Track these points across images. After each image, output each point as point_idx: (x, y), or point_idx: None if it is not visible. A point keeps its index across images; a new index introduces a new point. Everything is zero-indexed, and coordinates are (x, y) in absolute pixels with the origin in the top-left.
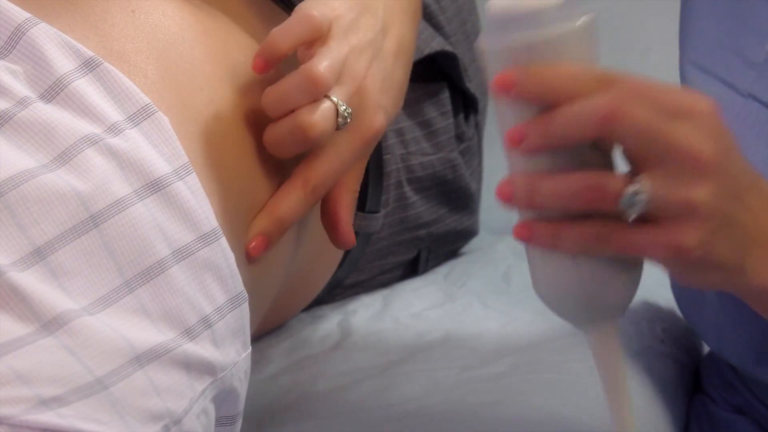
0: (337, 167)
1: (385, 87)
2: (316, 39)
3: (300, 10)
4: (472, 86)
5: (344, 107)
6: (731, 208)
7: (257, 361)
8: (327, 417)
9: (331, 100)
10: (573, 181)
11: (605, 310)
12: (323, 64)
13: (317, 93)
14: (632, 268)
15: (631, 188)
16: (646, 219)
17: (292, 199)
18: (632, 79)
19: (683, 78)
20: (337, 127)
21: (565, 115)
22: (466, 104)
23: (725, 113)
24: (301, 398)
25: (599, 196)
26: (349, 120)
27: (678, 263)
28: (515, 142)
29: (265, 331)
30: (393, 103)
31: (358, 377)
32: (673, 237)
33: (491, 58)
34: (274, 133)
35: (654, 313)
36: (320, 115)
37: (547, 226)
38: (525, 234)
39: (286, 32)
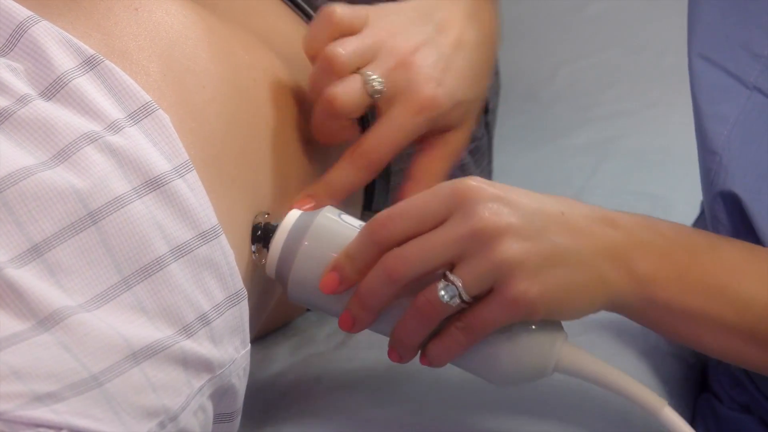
0: (388, 134)
1: (441, 66)
2: (348, 33)
3: (322, 8)
4: None
5: (374, 77)
6: (541, 244)
7: (262, 358)
8: (331, 415)
9: (359, 74)
10: (408, 320)
11: (546, 352)
12: (342, 45)
13: (334, 70)
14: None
15: (441, 285)
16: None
17: (341, 165)
18: (389, 222)
19: (691, 70)
20: (371, 97)
21: (362, 293)
22: None
23: (731, 105)
24: (305, 396)
25: (429, 310)
26: (378, 87)
27: (527, 311)
28: (348, 327)
29: (271, 329)
30: (455, 84)
31: (364, 375)
32: (505, 295)
33: (299, 287)
34: (313, 117)
35: None
36: (343, 87)
37: (436, 350)
38: (428, 364)
39: (311, 36)
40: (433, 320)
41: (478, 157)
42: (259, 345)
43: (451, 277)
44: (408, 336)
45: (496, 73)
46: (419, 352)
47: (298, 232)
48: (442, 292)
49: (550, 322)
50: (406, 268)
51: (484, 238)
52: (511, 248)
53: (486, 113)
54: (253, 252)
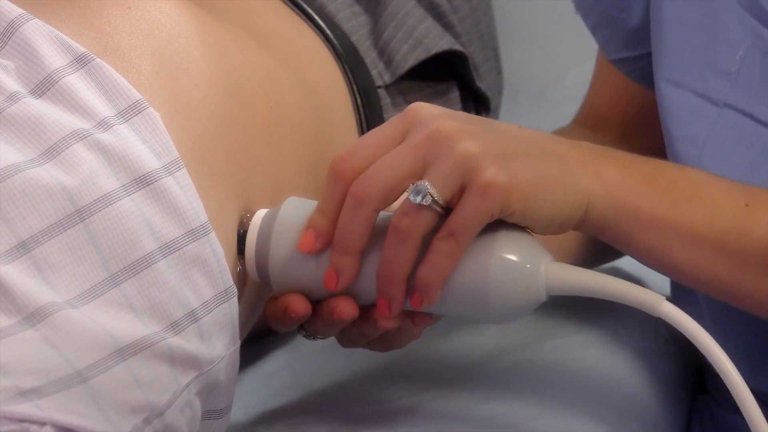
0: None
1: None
2: None
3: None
4: (483, 85)
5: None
6: (501, 142)
7: (258, 356)
8: (326, 412)
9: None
10: (390, 245)
11: (534, 273)
12: None
13: None
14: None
15: (410, 189)
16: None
17: None
18: (348, 156)
19: (658, 95)
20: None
21: (338, 232)
22: (478, 103)
23: (700, 125)
24: (301, 394)
25: (407, 222)
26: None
27: (502, 198)
28: (334, 281)
29: (266, 328)
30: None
31: (359, 374)
32: (476, 184)
33: (282, 278)
34: None
35: None
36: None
37: (425, 272)
38: (419, 302)
39: None
40: (413, 235)
41: None
42: (254, 344)
43: (419, 181)
44: (393, 264)
45: (498, 73)
46: (408, 307)
47: (267, 227)
48: (412, 195)
49: (533, 247)
50: (372, 184)
51: (442, 140)
52: (471, 144)
53: (488, 112)
54: (239, 264)
